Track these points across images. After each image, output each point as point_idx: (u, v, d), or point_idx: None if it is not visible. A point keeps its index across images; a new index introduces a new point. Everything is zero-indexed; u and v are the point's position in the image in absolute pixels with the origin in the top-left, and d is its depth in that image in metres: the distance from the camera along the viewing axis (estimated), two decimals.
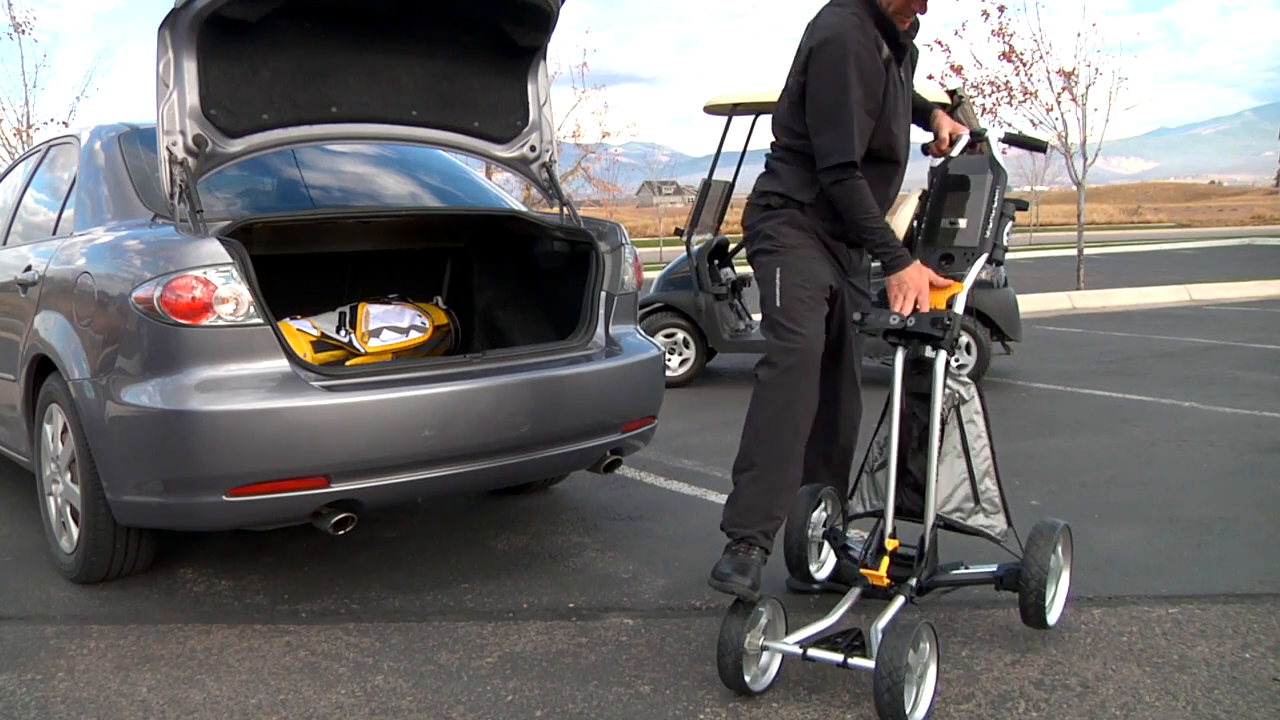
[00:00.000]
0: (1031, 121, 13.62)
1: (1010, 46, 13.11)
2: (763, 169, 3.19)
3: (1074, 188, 13.92)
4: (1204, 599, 3.19)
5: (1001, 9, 12.94)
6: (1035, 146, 3.26)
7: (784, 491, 2.90)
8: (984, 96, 13.47)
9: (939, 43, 13.59)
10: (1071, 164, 13.60)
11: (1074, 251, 14.18)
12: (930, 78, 13.21)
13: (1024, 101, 13.41)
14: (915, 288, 2.80)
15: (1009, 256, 3.14)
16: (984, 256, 2.84)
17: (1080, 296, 12.70)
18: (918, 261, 2.83)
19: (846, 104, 2.85)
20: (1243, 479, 4.57)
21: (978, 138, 3.06)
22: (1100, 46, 32.18)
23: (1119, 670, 2.73)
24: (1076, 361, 8.07)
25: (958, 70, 13.49)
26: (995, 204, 2.86)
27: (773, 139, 3.16)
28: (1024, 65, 13.17)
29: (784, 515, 2.91)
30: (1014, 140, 3.18)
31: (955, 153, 3.03)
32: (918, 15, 3.04)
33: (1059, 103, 13.31)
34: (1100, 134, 13.54)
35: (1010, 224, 2.89)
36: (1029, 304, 11.00)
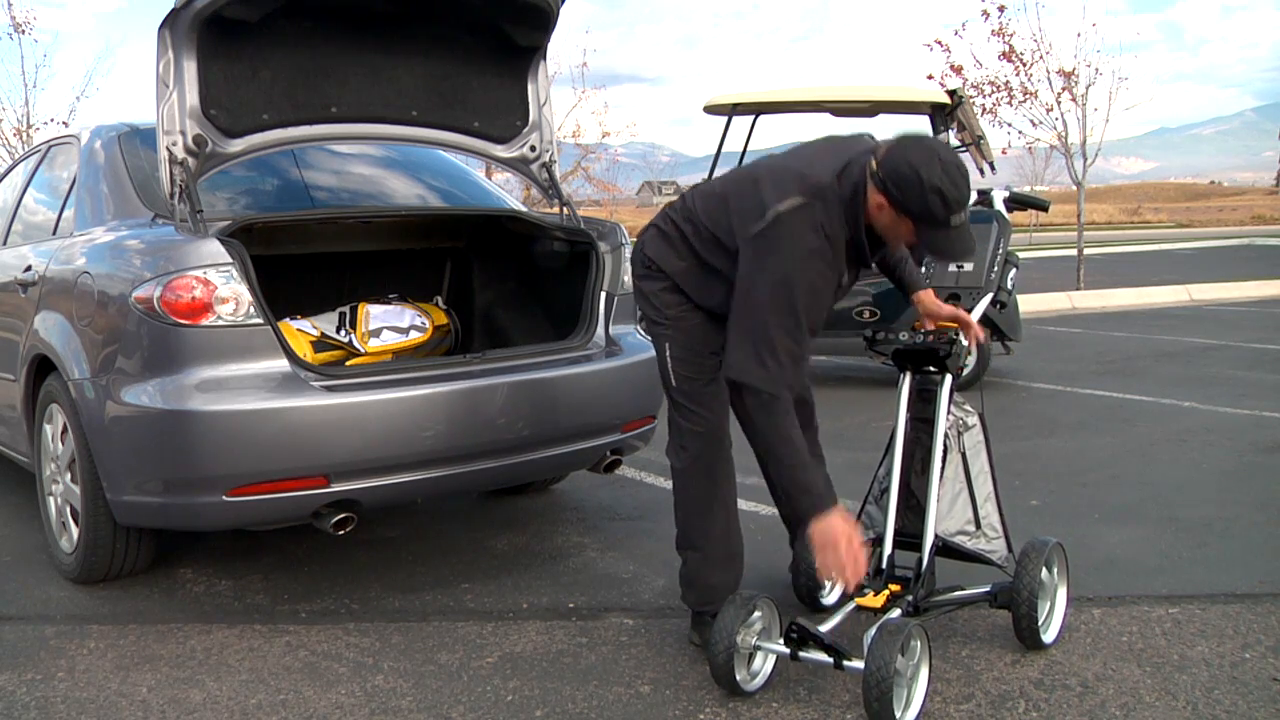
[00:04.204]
0: (1031, 121, 13.64)
1: (1010, 46, 13.11)
2: (662, 219, 2.88)
3: (1074, 188, 13.92)
4: (1204, 599, 3.19)
5: (1001, 9, 12.95)
6: (1038, 207, 3.43)
7: (734, 559, 2.92)
8: (984, 96, 13.47)
9: (939, 43, 13.60)
10: (1071, 164, 13.60)
11: (1074, 251, 14.18)
12: (930, 78, 13.23)
13: (1024, 102, 13.42)
14: (844, 542, 2.41)
15: None
16: (989, 296, 3.01)
17: (1080, 296, 12.70)
18: (841, 509, 2.47)
19: (786, 326, 2.49)
20: (1243, 479, 4.57)
21: (982, 196, 3.18)
22: (1100, 46, 32.17)
23: (1119, 670, 2.73)
24: (1076, 361, 8.07)
25: (958, 70, 13.48)
26: (1000, 251, 3.05)
27: (686, 208, 2.82)
28: (1024, 65, 13.17)
29: (740, 571, 2.93)
30: (1018, 200, 3.29)
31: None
32: None
33: (1059, 103, 13.30)
34: (1100, 134, 13.55)
35: (1014, 270, 3.09)
36: (1029, 304, 11.00)
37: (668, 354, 2.84)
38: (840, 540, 2.41)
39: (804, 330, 2.53)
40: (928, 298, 2.93)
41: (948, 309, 2.89)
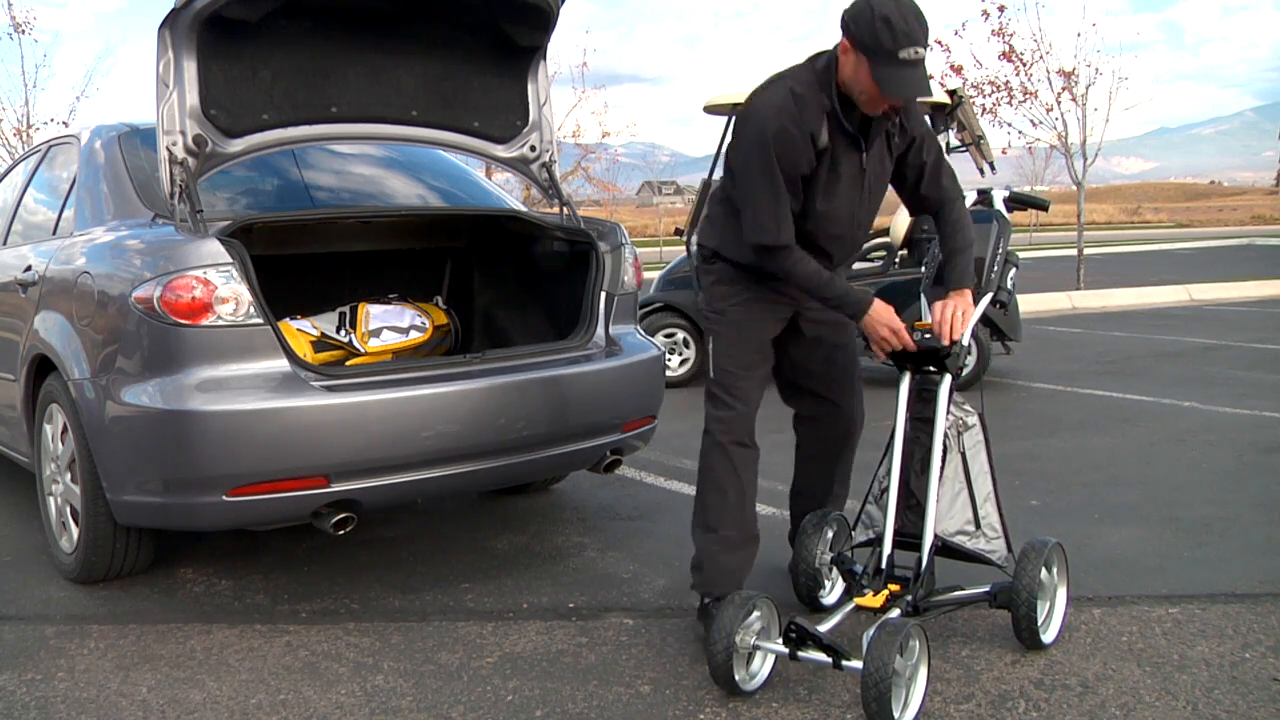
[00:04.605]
0: (1031, 121, 13.65)
1: (1010, 46, 13.12)
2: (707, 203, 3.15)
3: (1074, 188, 13.93)
4: (1204, 599, 3.19)
5: (1001, 9, 12.96)
6: (1038, 207, 3.46)
7: (746, 545, 2.99)
8: (984, 96, 13.49)
9: (939, 43, 13.61)
10: (1071, 164, 13.61)
11: (1074, 251, 14.18)
12: (930, 77, 13.21)
13: (1024, 101, 13.43)
14: (888, 325, 2.78)
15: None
16: (989, 296, 3.03)
17: (1080, 296, 12.70)
18: (878, 300, 2.80)
19: (757, 191, 2.76)
20: (1243, 479, 4.57)
21: (982, 196, 3.20)
22: (1100, 46, 32.19)
23: (1119, 670, 2.73)
24: (1076, 361, 8.07)
25: (958, 70, 13.51)
26: (1000, 251, 3.08)
27: (721, 175, 3.08)
28: (1024, 65, 13.18)
29: (750, 561, 3.00)
30: (1018, 200, 3.32)
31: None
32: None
33: (1059, 103, 13.32)
34: (1100, 134, 13.55)
35: (1014, 270, 3.08)
36: (1029, 304, 11.00)
37: (711, 346, 3.02)
38: (881, 327, 2.77)
39: (782, 187, 2.73)
40: (955, 296, 2.83)
41: (937, 311, 2.82)
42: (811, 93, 2.72)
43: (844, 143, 2.78)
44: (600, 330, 3.75)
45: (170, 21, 3.11)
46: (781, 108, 2.70)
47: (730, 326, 2.98)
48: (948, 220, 2.94)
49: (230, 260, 3.04)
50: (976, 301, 2.96)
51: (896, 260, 6.83)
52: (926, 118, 7.10)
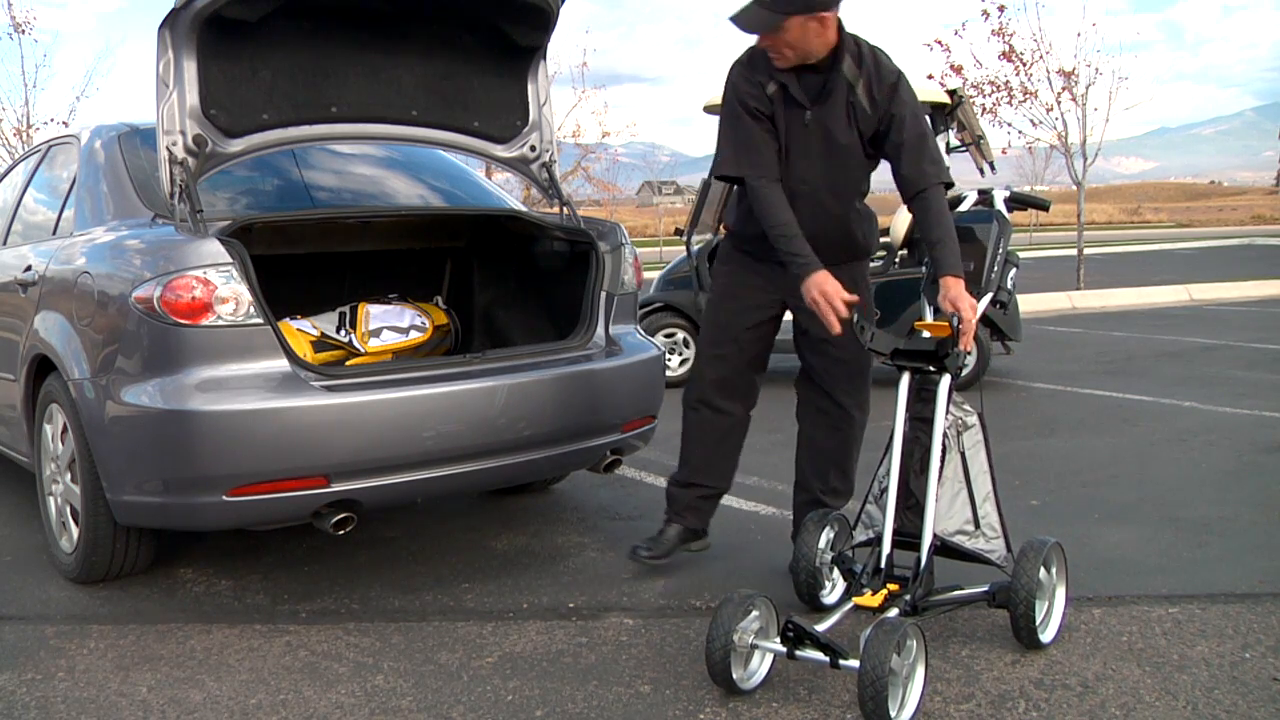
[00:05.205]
0: (1031, 121, 13.65)
1: (1010, 46, 13.12)
2: None
3: (1074, 188, 13.93)
4: (1204, 599, 3.19)
5: (1001, 9, 12.96)
6: (1039, 206, 3.48)
7: (689, 489, 3.44)
8: (984, 96, 13.48)
9: (939, 42, 13.61)
10: (1071, 164, 13.61)
11: (1074, 251, 14.19)
12: (930, 78, 13.24)
13: (1024, 101, 13.43)
14: (819, 288, 2.90)
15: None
16: (989, 296, 3.06)
17: (1080, 296, 12.70)
18: (824, 270, 2.93)
19: (721, 124, 3.15)
20: (1243, 479, 4.57)
21: (983, 196, 3.22)
22: (1100, 46, 32.18)
23: (1119, 670, 2.74)
24: (1076, 361, 8.08)
25: (958, 70, 13.50)
26: (1000, 251, 3.09)
27: None
28: (1024, 65, 13.19)
29: (694, 503, 3.44)
30: (1019, 200, 3.33)
31: (965, 207, 3.19)
32: (864, 58, 3.05)
33: (1059, 103, 13.32)
34: (1100, 134, 13.56)
35: (1014, 270, 3.12)
36: (1029, 304, 11.00)
37: (703, 319, 3.44)
38: (814, 288, 2.91)
39: (743, 120, 3.05)
40: (951, 284, 2.86)
41: (949, 305, 2.86)
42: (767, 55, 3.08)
43: (785, 97, 3.06)
44: (600, 330, 3.75)
45: (170, 21, 3.11)
46: (740, 59, 3.14)
47: (717, 300, 3.35)
48: (929, 209, 2.99)
49: (230, 260, 3.04)
50: (978, 302, 2.97)
51: (896, 260, 6.83)
52: (927, 117, 7.11)
